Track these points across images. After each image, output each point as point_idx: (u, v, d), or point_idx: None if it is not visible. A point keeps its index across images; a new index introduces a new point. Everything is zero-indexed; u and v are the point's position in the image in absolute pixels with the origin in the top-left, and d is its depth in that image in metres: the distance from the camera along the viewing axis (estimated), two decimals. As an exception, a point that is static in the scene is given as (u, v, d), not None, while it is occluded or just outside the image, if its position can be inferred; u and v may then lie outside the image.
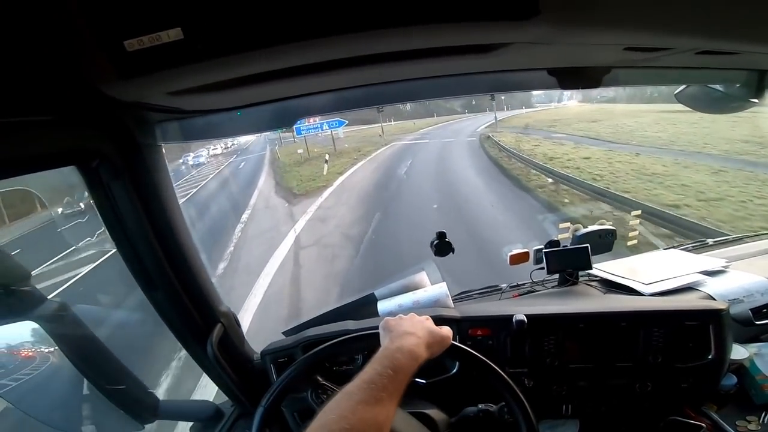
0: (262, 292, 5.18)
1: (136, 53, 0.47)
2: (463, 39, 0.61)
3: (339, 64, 0.65)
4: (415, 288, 1.41)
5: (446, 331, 0.82)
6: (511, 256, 1.41)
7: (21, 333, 0.76)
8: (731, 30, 0.76)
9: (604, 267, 1.41)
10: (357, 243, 6.53)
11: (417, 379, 1.14)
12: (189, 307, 1.00)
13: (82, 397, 0.86)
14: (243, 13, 0.47)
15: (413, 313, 0.84)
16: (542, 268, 1.40)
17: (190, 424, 1.20)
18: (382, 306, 1.36)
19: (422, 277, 1.42)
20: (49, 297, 0.78)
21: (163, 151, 0.88)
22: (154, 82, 0.57)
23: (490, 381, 0.86)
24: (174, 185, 0.92)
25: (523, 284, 1.48)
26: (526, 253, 1.42)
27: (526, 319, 1.09)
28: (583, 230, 1.41)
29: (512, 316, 1.11)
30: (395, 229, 6.94)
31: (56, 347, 0.79)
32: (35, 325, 0.75)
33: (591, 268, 1.37)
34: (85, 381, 0.85)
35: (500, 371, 0.86)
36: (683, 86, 1.23)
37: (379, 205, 8.51)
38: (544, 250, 1.38)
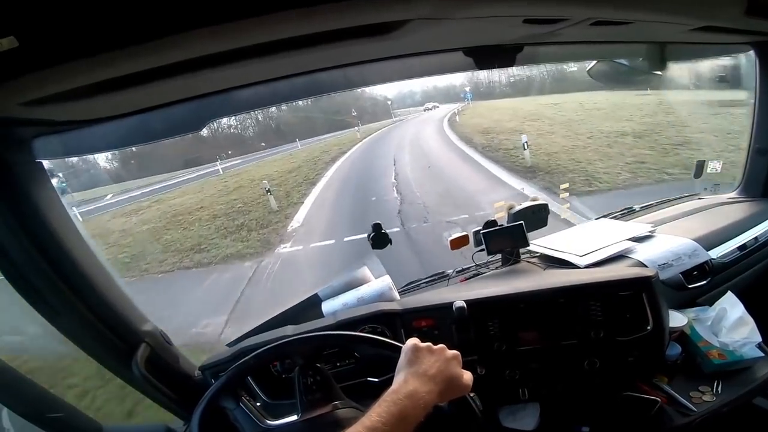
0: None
1: None
2: (356, 19, 0.60)
3: (231, 56, 0.61)
4: (359, 284, 1.39)
5: (466, 380, 0.74)
6: (452, 241, 1.41)
7: None
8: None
9: (542, 242, 1.44)
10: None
11: (369, 378, 1.13)
12: (103, 330, 0.94)
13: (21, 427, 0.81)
14: (83, 17, 0.44)
15: (443, 347, 0.75)
16: (483, 250, 1.40)
17: None
18: (327, 306, 1.34)
19: (364, 272, 1.40)
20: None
21: (45, 167, 0.80)
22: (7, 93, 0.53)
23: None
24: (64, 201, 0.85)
25: (469, 268, 1.49)
26: (466, 236, 1.42)
27: (465, 305, 1.08)
28: (517, 207, 1.42)
29: (452, 303, 1.09)
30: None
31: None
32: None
33: (528, 245, 1.39)
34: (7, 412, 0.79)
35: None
36: (593, 62, 1.26)
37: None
38: (481, 232, 1.38)
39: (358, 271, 1.40)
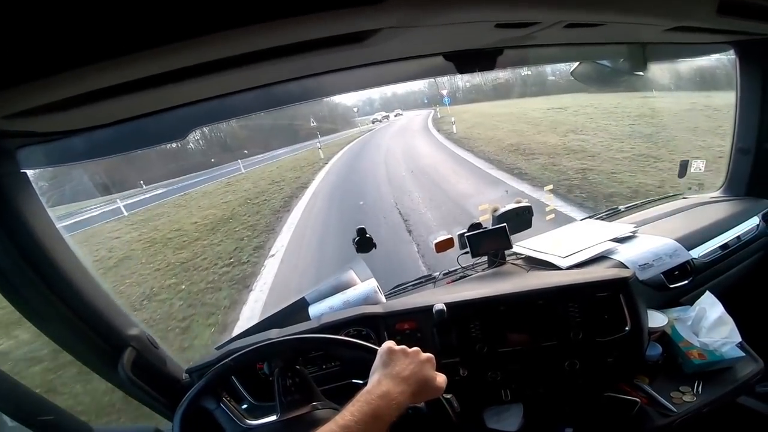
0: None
1: None
2: (327, 30, 0.61)
3: (210, 67, 0.62)
4: (345, 287, 1.40)
5: (439, 382, 0.75)
6: (437, 244, 1.43)
7: None
8: (591, 2, 0.78)
9: (526, 244, 1.45)
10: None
11: (354, 380, 1.15)
12: (89, 335, 0.96)
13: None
14: (62, 30, 0.44)
15: (418, 349, 0.76)
16: (467, 253, 1.42)
17: None
18: (314, 310, 1.35)
19: (351, 275, 1.41)
20: None
21: (29, 178, 0.82)
22: None
23: None
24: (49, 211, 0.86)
25: (455, 270, 1.50)
26: (451, 239, 1.43)
27: (445, 308, 1.09)
28: (501, 210, 1.43)
29: (431, 306, 1.11)
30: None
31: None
32: None
33: (511, 247, 1.40)
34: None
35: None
36: (576, 64, 1.27)
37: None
38: (466, 234, 1.39)
39: (344, 275, 1.41)
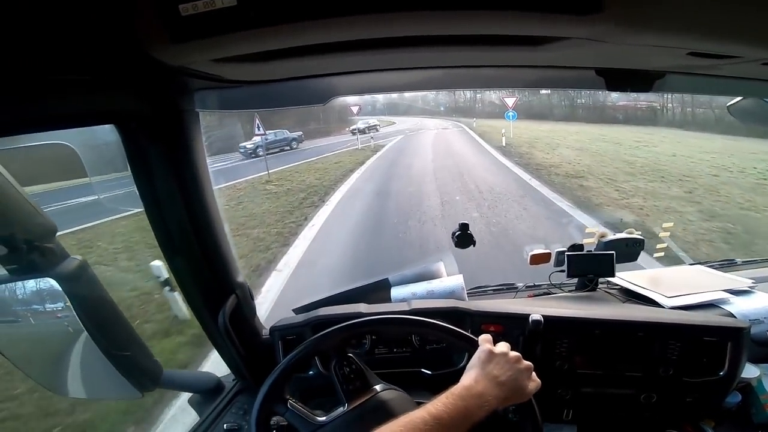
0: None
1: (190, 18, 0.46)
2: (517, 29, 0.57)
3: (383, 43, 0.62)
4: (431, 278, 1.38)
5: (531, 390, 0.75)
6: (533, 256, 1.38)
7: (38, 289, 0.73)
8: None
9: (625, 276, 1.38)
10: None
11: (423, 370, 1.15)
12: (207, 276, 0.98)
13: (85, 359, 0.83)
14: None
15: (519, 356, 0.77)
16: (562, 271, 1.37)
17: (189, 394, 1.19)
18: (396, 292, 1.34)
19: (439, 267, 1.39)
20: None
21: (200, 118, 0.86)
22: (203, 48, 0.56)
23: None
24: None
25: (540, 285, 1.46)
26: (548, 254, 1.38)
27: (542, 320, 1.07)
28: (611, 237, 1.37)
29: (528, 315, 1.08)
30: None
31: (69, 305, 0.76)
32: (52, 282, 0.72)
33: (613, 276, 1.34)
34: (92, 343, 0.82)
35: None
36: (738, 98, 1.17)
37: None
38: (566, 253, 1.34)
39: (433, 265, 1.39)
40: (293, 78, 0.83)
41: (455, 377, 1.04)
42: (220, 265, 1.00)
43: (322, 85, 0.89)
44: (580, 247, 1.37)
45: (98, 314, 0.80)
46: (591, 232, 1.40)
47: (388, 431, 0.58)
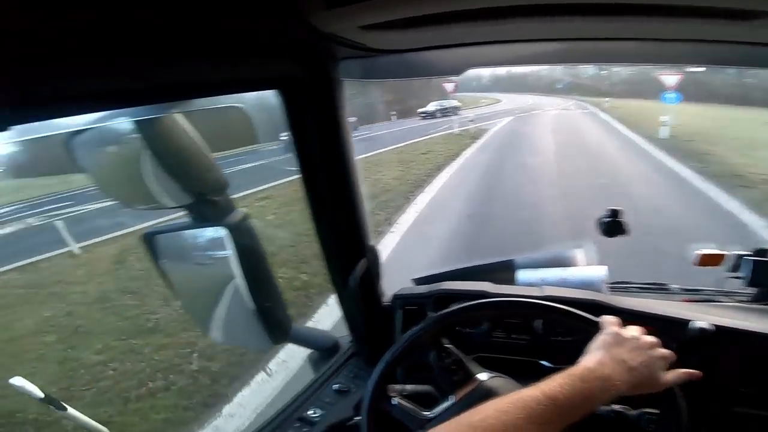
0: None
1: None
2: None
3: (525, 11, 0.60)
4: (565, 264, 1.25)
5: (665, 381, 0.66)
6: (702, 256, 1.15)
7: (212, 237, 0.80)
8: None
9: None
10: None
11: (542, 362, 1.04)
12: (343, 237, 1.00)
13: (233, 305, 0.91)
14: None
15: (654, 341, 0.69)
16: (738, 278, 1.13)
17: (309, 351, 1.25)
18: (523, 275, 1.24)
19: (576, 254, 1.24)
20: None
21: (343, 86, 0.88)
22: (353, 13, 0.58)
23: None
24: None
25: (702, 290, 1.23)
26: (722, 256, 1.15)
27: (714, 329, 0.89)
28: (816, 246, 1.08)
29: (689, 321, 0.91)
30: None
31: (232, 253, 0.82)
32: (222, 231, 0.78)
33: (815, 293, 1.06)
34: (240, 291, 0.88)
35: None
36: None
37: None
38: (752, 258, 1.09)
39: (570, 252, 1.25)
40: (431, 47, 0.82)
41: None
42: (356, 228, 1.01)
43: (458, 56, 0.87)
44: (766, 252, 1.10)
45: (253, 264, 0.86)
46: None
47: (493, 408, 0.52)
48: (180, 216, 0.84)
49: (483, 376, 0.82)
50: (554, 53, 0.89)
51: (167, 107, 0.73)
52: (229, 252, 0.79)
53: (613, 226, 1.14)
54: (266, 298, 0.90)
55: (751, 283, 1.11)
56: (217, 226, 0.77)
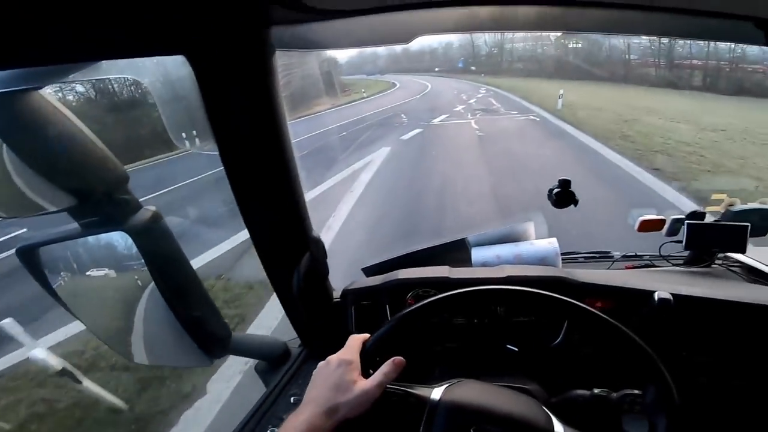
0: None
1: None
2: None
3: None
4: (518, 239, 1.22)
5: (375, 381, 0.60)
6: (642, 222, 1.18)
7: (110, 243, 0.63)
8: None
9: (753, 253, 1.17)
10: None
11: (508, 346, 1.01)
12: (281, 230, 0.86)
13: (153, 321, 0.76)
14: None
15: (335, 360, 0.63)
16: (676, 242, 1.17)
17: (255, 361, 1.10)
18: (477, 254, 1.20)
19: (528, 227, 1.22)
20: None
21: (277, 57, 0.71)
22: None
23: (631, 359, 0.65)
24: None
25: (641, 256, 1.27)
26: (662, 221, 1.18)
27: (672, 299, 0.90)
28: (741, 206, 1.14)
29: (652, 292, 0.91)
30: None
31: (141, 261, 0.66)
32: (124, 236, 0.62)
33: (744, 252, 1.13)
34: (161, 304, 0.72)
35: (647, 348, 0.64)
36: None
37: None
38: (686, 221, 1.13)
39: (520, 225, 1.22)
40: (377, 9, 0.69)
41: (547, 357, 0.92)
42: (295, 218, 0.87)
43: (407, 21, 0.76)
44: (702, 215, 1.15)
45: (171, 271, 0.70)
46: (719, 198, 1.17)
47: None
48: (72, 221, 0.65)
49: (436, 393, 0.65)
50: (512, 19, 0.79)
51: (27, 76, 0.54)
52: (137, 261, 0.63)
53: (563, 196, 1.12)
54: (193, 308, 0.76)
55: (688, 247, 1.15)
56: (116, 230, 0.61)
